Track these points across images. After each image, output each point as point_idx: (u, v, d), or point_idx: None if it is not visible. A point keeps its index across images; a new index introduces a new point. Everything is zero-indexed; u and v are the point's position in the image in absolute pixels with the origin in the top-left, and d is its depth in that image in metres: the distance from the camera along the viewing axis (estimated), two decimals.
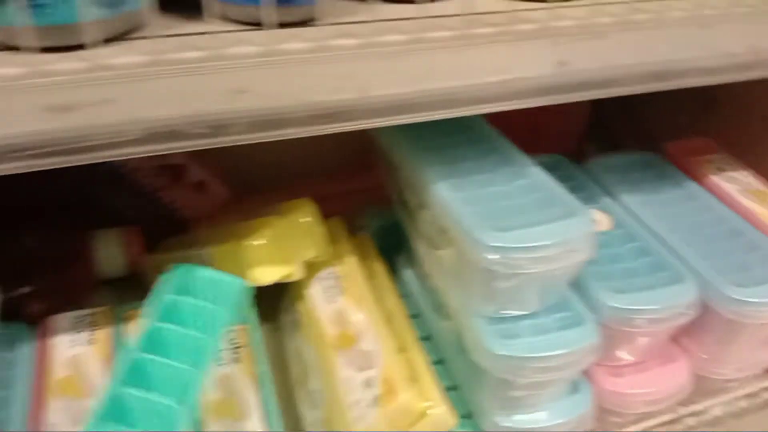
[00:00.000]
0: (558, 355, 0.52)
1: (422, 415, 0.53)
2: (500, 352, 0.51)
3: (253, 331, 0.64)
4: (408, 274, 0.70)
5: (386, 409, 0.52)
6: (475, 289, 0.53)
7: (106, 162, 0.74)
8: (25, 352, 0.61)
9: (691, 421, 0.66)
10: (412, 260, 0.70)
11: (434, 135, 0.59)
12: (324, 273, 0.65)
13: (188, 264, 0.58)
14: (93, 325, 0.63)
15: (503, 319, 0.54)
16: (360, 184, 0.81)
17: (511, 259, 0.48)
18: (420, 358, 0.58)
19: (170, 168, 0.78)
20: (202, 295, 0.55)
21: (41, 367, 0.60)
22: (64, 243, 0.72)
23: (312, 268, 0.65)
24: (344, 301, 0.61)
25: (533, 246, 0.48)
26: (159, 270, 0.74)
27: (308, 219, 0.63)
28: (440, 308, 0.64)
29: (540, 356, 0.51)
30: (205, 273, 0.57)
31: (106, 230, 0.74)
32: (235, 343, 0.63)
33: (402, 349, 0.59)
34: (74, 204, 0.75)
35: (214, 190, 0.80)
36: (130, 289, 0.70)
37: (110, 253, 0.74)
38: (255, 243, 0.60)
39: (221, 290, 0.56)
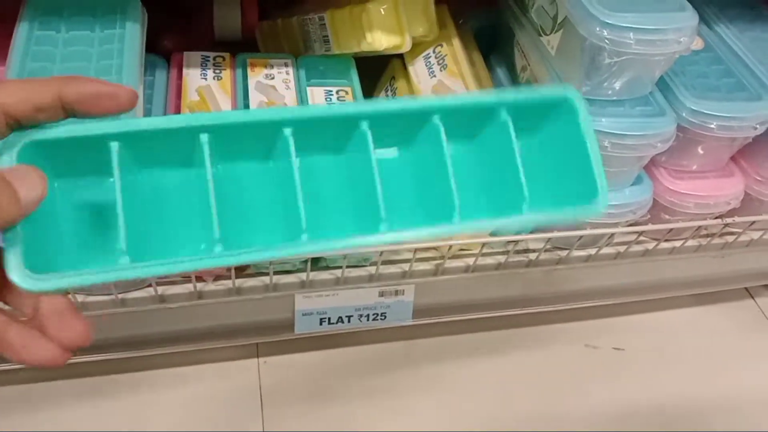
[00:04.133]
0: (636, 136, 0.59)
1: None
2: None
3: (358, 93, 0.72)
4: (500, 71, 0.76)
5: None
6: (575, 67, 0.59)
7: None
8: (162, 78, 0.70)
9: (729, 238, 0.74)
10: (506, 59, 0.76)
11: None
12: (429, 52, 0.71)
13: None
14: (218, 66, 0.71)
15: (594, 102, 0.60)
16: None
17: (619, 36, 0.54)
18: None
19: None
20: None
21: (176, 91, 0.69)
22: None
23: (418, 47, 0.71)
24: (445, 76, 0.68)
25: (642, 28, 0.54)
26: (270, 36, 0.82)
27: None
28: None
29: (621, 134, 0.58)
30: None
31: None
32: (344, 101, 0.71)
33: None
34: None
35: None
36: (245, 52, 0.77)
37: (228, 15, 0.81)
38: (375, 8, 0.66)
39: None
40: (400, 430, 0.72)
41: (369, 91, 0.79)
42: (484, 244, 0.65)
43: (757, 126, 0.63)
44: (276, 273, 0.63)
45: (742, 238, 0.74)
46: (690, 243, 0.73)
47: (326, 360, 0.77)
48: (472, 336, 0.81)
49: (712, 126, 0.62)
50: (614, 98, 0.60)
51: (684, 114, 0.62)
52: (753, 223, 0.71)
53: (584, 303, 0.76)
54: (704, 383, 0.80)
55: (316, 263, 0.64)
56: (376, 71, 0.80)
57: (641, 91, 0.61)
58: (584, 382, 0.79)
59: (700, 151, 0.66)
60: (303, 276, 0.64)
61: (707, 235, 0.74)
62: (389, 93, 0.78)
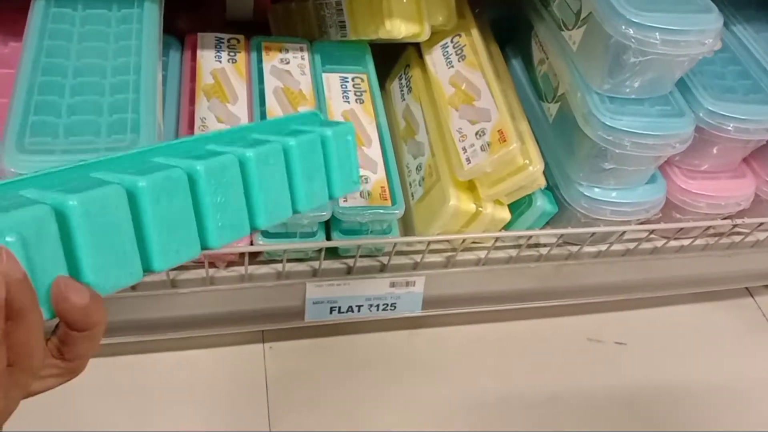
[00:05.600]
0: (656, 135, 0.59)
1: (522, 168, 0.61)
2: (609, 123, 0.58)
3: (373, 81, 0.71)
4: (516, 63, 0.76)
5: (495, 155, 0.60)
6: (598, 64, 0.58)
7: None
8: (175, 59, 0.69)
9: (736, 238, 0.75)
10: (522, 51, 0.75)
11: None
12: (447, 41, 0.71)
13: None
14: (233, 48, 0.70)
15: (614, 99, 0.60)
16: None
17: (645, 36, 0.53)
18: (526, 127, 0.65)
19: None
20: None
21: (190, 74, 0.68)
22: None
23: (435, 36, 0.71)
24: (464, 66, 0.68)
25: (668, 28, 0.53)
26: (283, 19, 0.81)
27: None
28: (544, 94, 0.70)
29: (641, 133, 0.58)
30: None
31: None
32: (360, 88, 0.70)
33: (512, 117, 0.66)
34: None
35: None
36: (257, 34, 0.76)
37: None
38: None
39: None
40: (401, 416, 0.72)
41: (382, 78, 0.78)
42: (496, 239, 0.65)
43: None
44: (289, 261, 0.63)
45: (749, 238, 0.75)
46: (698, 242, 0.73)
47: (331, 346, 0.77)
48: (476, 327, 0.82)
49: (729, 128, 0.62)
50: (633, 96, 0.60)
51: (701, 114, 0.63)
52: (761, 224, 0.71)
53: (592, 298, 0.76)
54: (703, 379, 0.81)
55: (330, 252, 0.64)
56: (387, 57, 0.80)
57: (662, 90, 0.61)
58: (585, 376, 0.80)
59: (715, 152, 0.66)
60: (315, 264, 0.64)
61: (715, 235, 0.74)
62: (403, 81, 0.77)
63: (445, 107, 0.66)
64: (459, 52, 0.69)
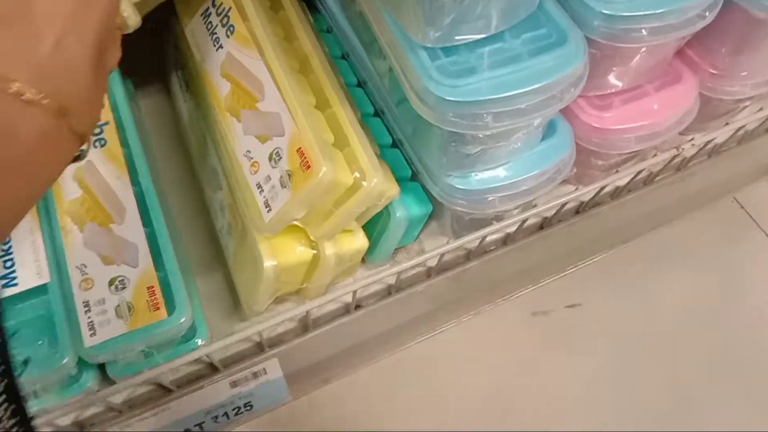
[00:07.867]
0: (529, 93, 0.37)
1: (354, 188, 0.40)
2: (449, 98, 0.36)
3: (120, 103, 0.47)
4: (330, 2, 0.51)
5: (301, 192, 0.38)
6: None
7: None
8: None
9: (690, 151, 0.55)
10: None
11: None
12: (208, 4, 0.46)
13: None
14: None
15: (454, 50, 0.37)
16: None
17: None
18: (346, 114, 0.43)
19: None
20: None
21: None
22: None
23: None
24: (234, 44, 0.44)
25: None
26: None
27: None
28: (367, 45, 0.47)
29: (505, 96, 0.36)
30: None
31: None
32: None
33: (323, 105, 0.43)
34: None
35: None
36: None
37: None
38: None
39: None
40: None
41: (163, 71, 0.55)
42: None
43: (707, 13, 0.41)
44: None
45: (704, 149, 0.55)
46: (639, 176, 0.53)
47: None
48: (390, 358, 0.62)
49: (642, 33, 0.40)
50: (482, 35, 0.38)
51: (596, 24, 0.40)
52: (712, 140, 0.51)
53: (511, 295, 0.57)
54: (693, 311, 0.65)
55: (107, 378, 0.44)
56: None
57: (524, 9, 0.38)
58: (541, 357, 0.62)
59: (628, 68, 0.45)
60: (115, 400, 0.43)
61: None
62: (180, 73, 0.53)
63: (224, 116, 0.44)
64: (225, 21, 0.45)
